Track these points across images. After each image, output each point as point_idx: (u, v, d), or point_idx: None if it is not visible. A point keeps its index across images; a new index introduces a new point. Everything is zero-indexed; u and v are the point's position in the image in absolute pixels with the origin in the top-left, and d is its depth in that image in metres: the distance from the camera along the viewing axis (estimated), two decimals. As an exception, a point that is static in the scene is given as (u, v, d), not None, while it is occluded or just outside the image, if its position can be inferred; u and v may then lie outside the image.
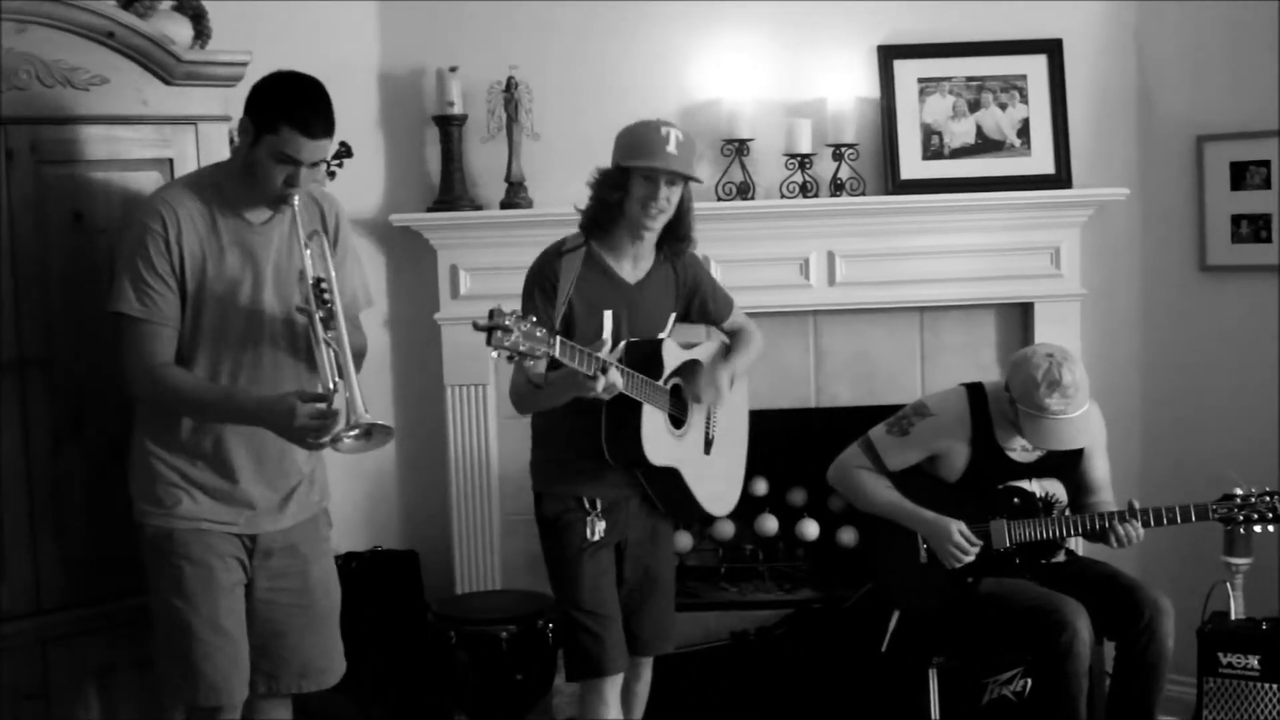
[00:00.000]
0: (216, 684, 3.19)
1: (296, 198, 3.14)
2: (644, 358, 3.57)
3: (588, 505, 3.65)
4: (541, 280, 3.58)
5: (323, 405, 3.01)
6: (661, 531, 3.86)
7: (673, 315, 3.80)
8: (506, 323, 3.05)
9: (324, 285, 3.12)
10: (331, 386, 3.04)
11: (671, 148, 3.52)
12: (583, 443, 3.55)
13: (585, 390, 3.31)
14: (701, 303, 3.86)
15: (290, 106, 3.06)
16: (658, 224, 3.61)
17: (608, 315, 3.59)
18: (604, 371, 3.28)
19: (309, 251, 3.16)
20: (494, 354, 3.06)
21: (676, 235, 3.70)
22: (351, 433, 3.01)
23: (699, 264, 3.89)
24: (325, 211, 3.32)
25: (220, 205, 3.16)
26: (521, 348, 3.08)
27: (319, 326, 3.09)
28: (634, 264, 3.70)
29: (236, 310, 3.17)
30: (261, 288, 3.20)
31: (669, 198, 3.57)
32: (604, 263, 3.65)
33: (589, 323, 3.57)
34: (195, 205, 3.14)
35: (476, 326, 3.07)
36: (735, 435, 4.01)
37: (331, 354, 3.08)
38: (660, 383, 3.59)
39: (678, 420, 3.70)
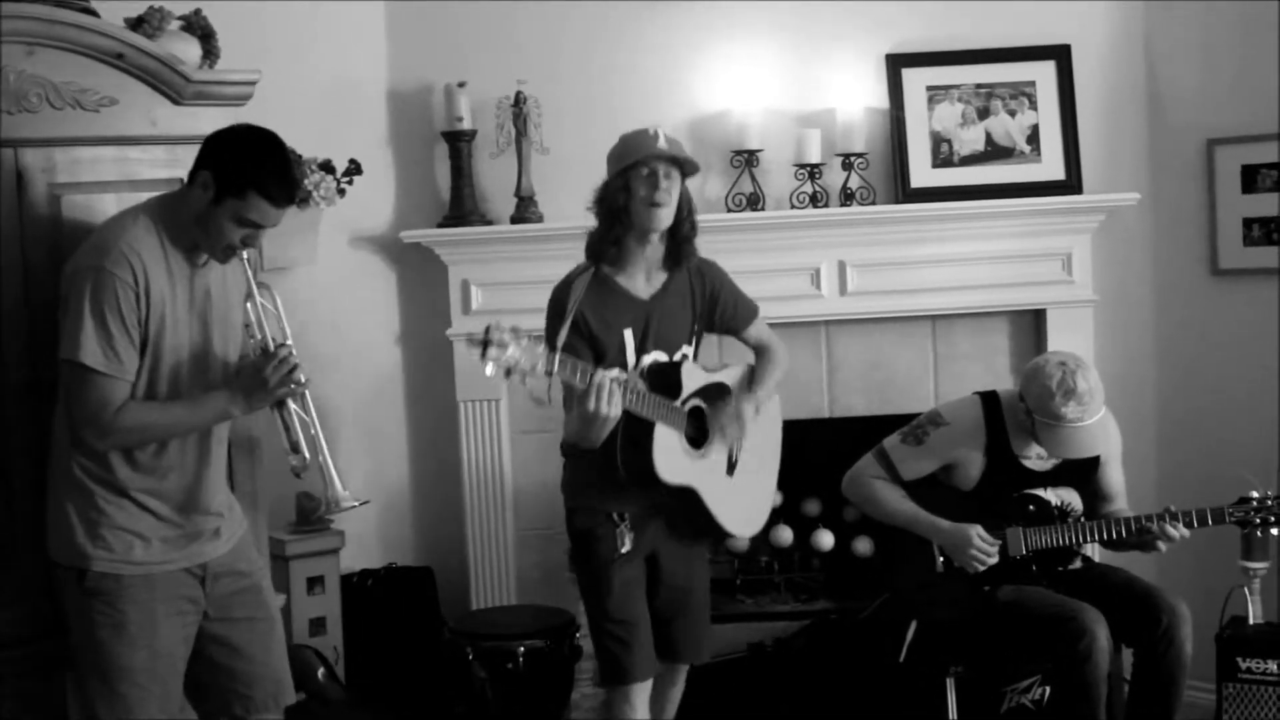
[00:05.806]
0: None
1: (246, 251, 3.14)
2: (663, 379, 3.61)
3: (617, 519, 3.68)
4: (552, 307, 3.63)
5: (277, 354, 3.08)
6: (694, 546, 3.88)
7: (693, 326, 3.79)
8: (504, 338, 3.09)
9: (290, 356, 3.10)
10: (306, 455, 3.10)
11: (662, 143, 3.58)
12: (606, 463, 3.57)
13: (590, 411, 3.31)
14: (723, 312, 3.85)
15: (261, 175, 3.03)
16: (662, 219, 3.61)
17: (628, 333, 3.61)
18: (592, 378, 3.30)
19: (248, 305, 3.19)
20: (489, 369, 3.10)
21: (677, 238, 3.70)
22: (330, 517, 3.06)
23: (719, 274, 3.87)
24: (247, 257, 3.24)
25: (170, 244, 3.11)
26: (522, 363, 3.12)
27: (290, 402, 3.13)
28: (647, 279, 3.71)
29: (186, 355, 3.15)
30: (210, 332, 3.19)
31: (669, 190, 3.60)
32: (613, 282, 3.66)
33: (610, 341, 3.60)
34: (154, 247, 3.08)
35: (470, 341, 3.11)
36: (764, 456, 3.97)
37: (297, 423, 3.13)
38: (677, 403, 3.60)
39: (697, 441, 3.69)
